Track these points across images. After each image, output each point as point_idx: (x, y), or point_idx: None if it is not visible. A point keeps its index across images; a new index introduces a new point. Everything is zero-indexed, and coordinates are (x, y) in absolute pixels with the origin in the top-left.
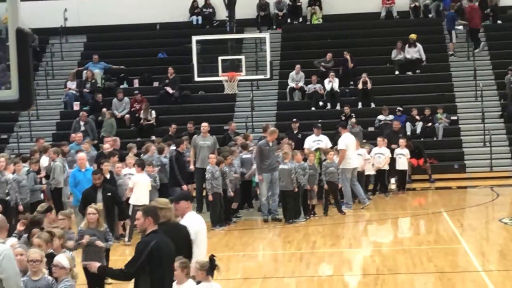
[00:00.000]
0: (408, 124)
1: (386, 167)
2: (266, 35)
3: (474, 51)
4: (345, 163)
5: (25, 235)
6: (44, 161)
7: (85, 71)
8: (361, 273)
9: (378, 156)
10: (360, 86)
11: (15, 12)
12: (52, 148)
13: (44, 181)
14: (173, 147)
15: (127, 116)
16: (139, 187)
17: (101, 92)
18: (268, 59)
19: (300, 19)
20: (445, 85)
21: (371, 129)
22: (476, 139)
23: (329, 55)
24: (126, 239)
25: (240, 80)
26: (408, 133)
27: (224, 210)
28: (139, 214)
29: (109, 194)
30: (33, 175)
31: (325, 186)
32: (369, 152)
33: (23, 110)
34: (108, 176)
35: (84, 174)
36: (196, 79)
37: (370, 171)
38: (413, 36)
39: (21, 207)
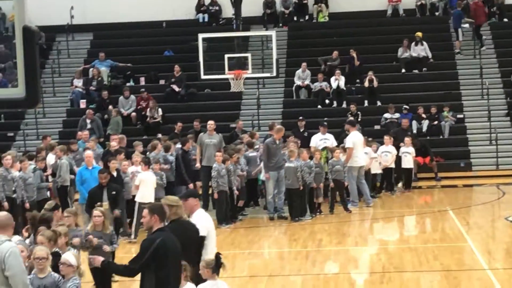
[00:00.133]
0: (414, 122)
1: (393, 165)
2: (272, 33)
3: (481, 49)
4: (352, 161)
5: (32, 234)
6: (51, 159)
7: (91, 69)
8: (367, 271)
9: (385, 155)
10: (366, 84)
11: (21, 10)
12: (59, 146)
13: (50, 179)
14: (178, 146)
15: (133, 114)
16: (145, 184)
17: (107, 90)
18: (274, 57)
19: (306, 17)
20: (451, 83)
21: (377, 127)
22: (482, 137)
23: (335, 53)
24: (132, 236)
25: (246, 78)
26: (414, 131)
27: (230, 208)
28: (145, 211)
29: (113, 193)
30: (40, 173)
31: (331, 184)
32: (376, 151)
33: (29, 108)
34: (115, 174)
35: (91, 172)
36: (202, 77)
37: (377, 170)
38: (419, 34)
39: (27, 205)
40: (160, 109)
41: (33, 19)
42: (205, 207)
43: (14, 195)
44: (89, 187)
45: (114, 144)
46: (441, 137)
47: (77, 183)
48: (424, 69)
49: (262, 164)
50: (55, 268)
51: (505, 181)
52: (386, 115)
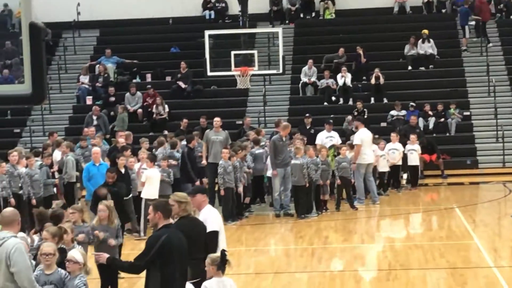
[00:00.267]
0: (420, 120)
1: (400, 163)
2: (279, 29)
3: (487, 46)
4: (360, 158)
5: (39, 230)
6: (57, 155)
7: (97, 65)
8: (373, 268)
9: (392, 152)
10: (372, 81)
11: (28, 6)
12: (65, 142)
13: (57, 175)
14: (183, 143)
15: (140, 110)
16: (150, 181)
17: (113, 87)
18: (281, 54)
19: (313, 14)
20: (457, 81)
21: (383, 124)
22: (489, 135)
23: (341, 50)
24: (142, 233)
25: (253, 75)
26: (421, 128)
27: (236, 205)
28: (150, 208)
29: (115, 189)
30: (46, 169)
31: (338, 181)
32: (383, 148)
33: (36, 104)
34: (123, 170)
35: (98, 168)
36: (209, 73)
37: (385, 168)
38: (425, 31)
39: (34, 201)
40: (166, 106)
41: (40, 16)
42: (211, 204)
43: (21, 192)
44: (96, 183)
45: (121, 141)
46: (447, 134)
47: (84, 179)
48: (430, 66)
49: (268, 161)
50: (61, 264)
51: (511, 178)
52: (393, 112)
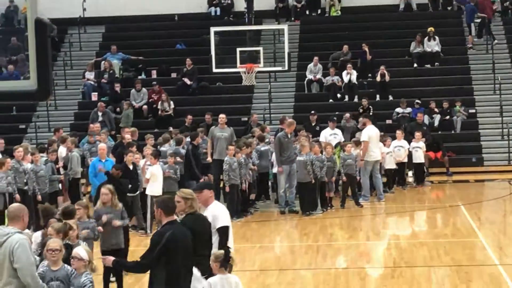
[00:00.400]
0: (426, 117)
1: (406, 160)
2: (284, 26)
3: (493, 43)
4: (367, 155)
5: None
6: (62, 151)
7: (103, 62)
8: (378, 265)
9: (398, 149)
10: (378, 78)
11: (34, 2)
12: (70, 139)
13: (62, 171)
14: (188, 140)
15: (145, 107)
16: (154, 178)
17: (119, 83)
18: (286, 50)
19: (319, 11)
20: (463, 78)
21: (388, 121)
22: (494, 133)
23: (345, 47)
24: (148, 230)
25: (258, 72)
26: (427, 126)
27: (241, 201)
28: (155, 205)
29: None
30: (51, 165)
31: (344, 178)
32: (389, 145)
33: (41, 100)
34: (131, 167)
35: (104, 164)
36: (214, 70)
37: (392, 165)
38: (431, 29)
39: (39, 197)
40: (171, 102)
41: (45, 12)
42: (216, 200)
43: (26, 187)
44: (102, 179)
45: (128, 137)
46: (452, 132)
47: (90, 175)
48: (436, 63)
49: (274, 158)
50: (67, 261)
51: None
52: (398, 109)
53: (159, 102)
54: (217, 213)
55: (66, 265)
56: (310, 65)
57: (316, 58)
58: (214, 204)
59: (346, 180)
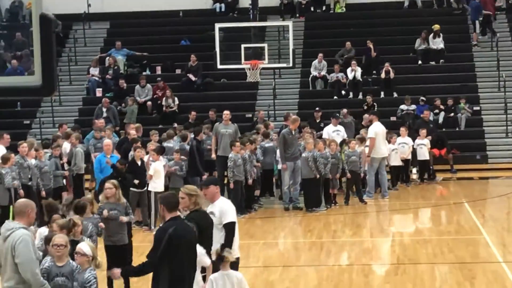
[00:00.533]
0: (430, 114)
1: (410, 157)
2: (289, 23)
3: (497, 37)
4: (374, 152)
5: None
6: (66, 147)
7: (107, 58)
8: (381, 262)
9: (402, 146)
10: (382, 75)
11: None
12: (74, 134)
13: (66, 167)
14: (191, 136)
15: (149, 103)
16: (157, 174)
17: (123, 79)
18: (291, 47)
19: (324, 8)
20: (468, 75)
21: (393, 118)
22: (499, 130)
23: (347, 44)
24: (152, 226)
25: (263, 68)
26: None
27: (246, 198)
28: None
29: (119, 179)
30: (54, 161)
31: (348, 175)
32: (394, 142)
33: (46, 96)
34: (139, 162)
35: (109, 160)
36: (219, 66)
37: (397, 162)
38: (437, 26)
39: (43, 193)
40: (176, 98)
41: (50, 7)
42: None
43: (30, 183)
44: (107, 174)
45: (133, 133)
46: (457, 129)
47: (96, 171)
48: (441, 61)
49: (278, 155)
50: (71, 256)
51: None
52: (402, 106)
53: (164, 98)
54: (225, 208)
55: (71, 261)
56: (315, 62)
57: (320, 54)
58: (221, 200)
59: (350, 177)
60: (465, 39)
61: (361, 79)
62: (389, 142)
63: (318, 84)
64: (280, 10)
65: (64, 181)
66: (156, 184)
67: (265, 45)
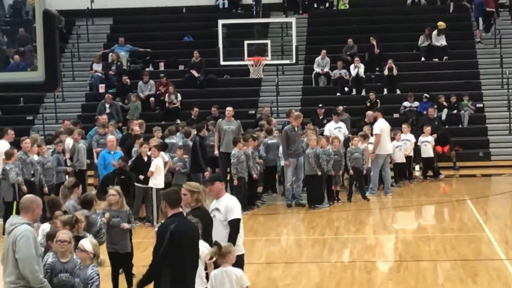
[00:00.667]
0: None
1: (412, 154)
2: (292, 19)
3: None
4: (379, 148)
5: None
6: (70, 143)
7: (111, 54)
8: (384, 259)
9: (404, 143)
10: (385, 72)
11: None
12: (77, 130)
13: (69, 162)
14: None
15: (152, 99)
16: (158, 170)
17: (126, 75)
18: (294, 44)
19: (327, 4)
20: (471, 73)
21: (396, 115)
22: (502, 127)
23: (349, 41)
24: (155, 222)
25: (266, 65)
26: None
27: (248, 194)
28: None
29: (122, 177)
30: (56, 156)
31: (351, 172)
32: (399, 139)
33: (49, 92)
34: (145, 158)
35: (113, 156)
36: (222, 63)
37: (401, 159)
38: (442, 24)
39: (46, 189)
40: (179, 95)
41: (53, 3)
42: None
43: (33, 179)
44: (111, 171)
45: (137, 129)
46: (460, 126)
47: (100, 167)
48: (445, 57)
49: (280, 151)
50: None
51: None
52: (405, 103)
53: (166, 95)
54: (230, 205)
55: (75, 257)
56: (318, 59)
57: (323, 51)
58: (227, 196)
59: (352, 174)
60: (468, 36)
61: (364, 76)
62: (393, 139)
63: (321, 80)
64: (283, 7)
65: (67, 177)
66: (157, 181)
67: (268, 41)
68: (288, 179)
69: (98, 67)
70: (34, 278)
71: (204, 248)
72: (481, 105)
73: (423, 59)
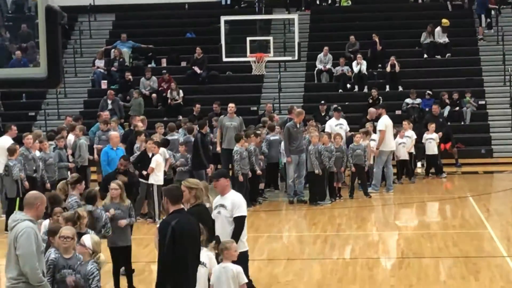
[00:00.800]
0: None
1: (413, 150)
2: (294, 16)
3: (487, 31)
4: (383, 145)
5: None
6: (72, 139)
7: (113, 50)
8: (386, 256)
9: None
10: (388, 69)
11: None
12: (78, 126)
13: (71, 158)
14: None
15: (154, 95)
16: (159, 166)
17: (129, 71)
18: (296, 40)
19: (329, 1)
20: (473, 69)
21: (398, 112)
22: (504, 124)
23: (352, 38)
24: (156, 218)
25: (268, 61)
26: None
27: (250, 191)
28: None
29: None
30: (58, 152)
31: (352, 169)
32: (402, 136)
33: (51, 88)
34: (150, 154)
35: (116, 152)
36: (224, 59)
37: (404, 155)
38: (446, 21)
39: (48, 185)
40: (181, 91)
41: None
42: None
43: (35, 175)
44: (115, 167)
45: (140, 125)
46: (462, 123)
47: (104, 163)
48: (447, 54)
49: (282, 148)
50: None
51: None
52: (408, 100)
53: (169, 91)
54: (237, 201)
55: (78, 253)
56: (320, 55)
57: (326, 48)
58: (232, 193)
59: (354, 171)
60: (470, 33)
61: (366, 73)
62: (395, 135)
63: (323, 77)
64: (286, 3)
65: (69, 173)
66: (158, 177)
67: (271, 38)
68: (290, 176)
69: (100, 63)
70: (34, 276)
71: (205, 256)
72: (483, 102)
73: (425, 56)
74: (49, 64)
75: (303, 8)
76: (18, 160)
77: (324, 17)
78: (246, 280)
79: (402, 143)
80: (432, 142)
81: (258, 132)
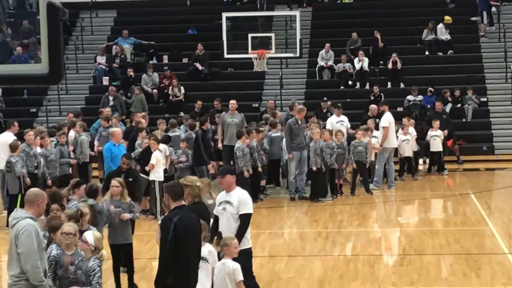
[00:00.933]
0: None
1: (414, 147)
2: (296, 13)
3: (489, 27)
4: (387, 142)
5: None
6: (72, 135)
7: (114, 46)
8: (387, 253)
9: None
10: (389, 65)
11: None
12: (79, 122)
13: (72, 155)
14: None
15: (155, 91)
16: (160, 163)
17: (130, 68)
18: (298, 37)
19: None
20: (475, 66)
21: (400, 109)
22: (505, 121)
23: (354, 35)
24: (158, 215)
25: (270, 58)
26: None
27: (252, 187)
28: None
29: (130, 179)
30: (59, 148)
31: (354, 165)
32: (406, 133)
33: (52, 84)
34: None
35: (118, 148)
36: (226, 56)
37: (408, 152)
38: (448, 18)
39: (49, 182)
40: (182, 88)
41: None
42: None
43: (36, 171)
44: (118, 163)
45: (143, 121)
46: (464, 120)
47: (106, 160)
48: (450, 51)
49: (284, 144)
50: None
51: None
52: (409, 97)
53: (170, 87)
54: (244, 198)
55: (80, 250)
56: (322, 52)
57: (327, 44)
58: (238, 190)
59: (356, 167)
60: (472, 30)
61: (368, 70)
62: (397, 132)
63: (325, 74)
64: (288, 0)
65: (71, 169)
66: (159, 174)
67: (272, 34)
68: (292, 172)
69: (102, 59)
70: (34, 275)
71: (207, 251)
72: (485, 99)
73: (427, 53)
74: (51, 60)
75: (304, 5)
76: (20, 157)
77: (326, 14)
78: (242, 278)
79: (406, 140)
80: (436, 139)
81: (260, 128)
